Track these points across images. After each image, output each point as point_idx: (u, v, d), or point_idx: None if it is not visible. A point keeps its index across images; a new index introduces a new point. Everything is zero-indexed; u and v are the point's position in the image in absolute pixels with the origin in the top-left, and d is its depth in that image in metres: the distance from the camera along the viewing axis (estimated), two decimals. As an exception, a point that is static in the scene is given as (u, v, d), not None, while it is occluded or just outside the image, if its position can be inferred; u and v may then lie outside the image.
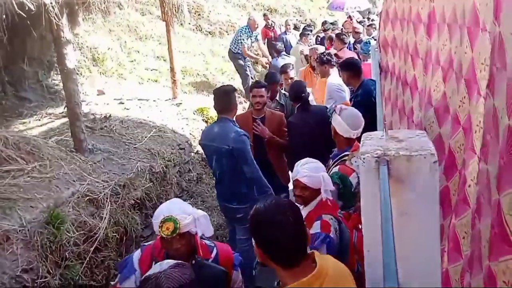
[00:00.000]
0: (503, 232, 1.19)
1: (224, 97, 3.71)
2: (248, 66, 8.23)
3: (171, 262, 1.66)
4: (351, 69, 4.71)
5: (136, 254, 2.23)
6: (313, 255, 1.70)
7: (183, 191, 5.52)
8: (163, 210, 2.10)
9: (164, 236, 2.00)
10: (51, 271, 2.98)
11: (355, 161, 3.19)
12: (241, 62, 8.07)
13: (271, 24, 9.97)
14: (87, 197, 3.66)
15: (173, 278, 1.38)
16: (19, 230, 2.93)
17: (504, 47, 1.32)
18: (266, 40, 9.56)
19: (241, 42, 7.95)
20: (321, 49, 6.61)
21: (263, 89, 4.32)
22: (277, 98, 5.14)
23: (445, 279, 1.92)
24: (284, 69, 5.56)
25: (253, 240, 1.68)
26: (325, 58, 5.46)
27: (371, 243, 1.95)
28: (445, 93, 2.05)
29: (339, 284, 1.67)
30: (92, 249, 3.41)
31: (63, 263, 3.12)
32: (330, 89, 5.20)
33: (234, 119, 3.76)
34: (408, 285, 1.81)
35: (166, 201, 4.80)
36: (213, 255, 2.27)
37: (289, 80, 5.34)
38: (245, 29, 8.05)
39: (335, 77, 5.36)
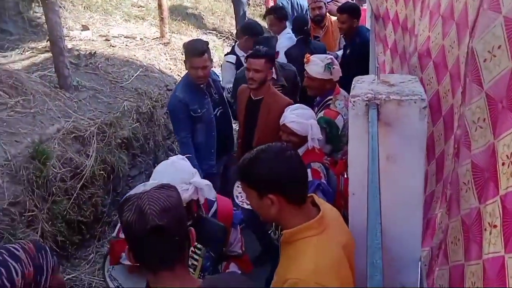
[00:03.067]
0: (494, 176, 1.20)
1: (184, 50, 3.47)
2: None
3: (155, 183, 1.51)
4: (351, 12, 4.55)
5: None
6: (312, 197, 1.70)
7: (171, 133, 5.50)
8: (163, 175, 1.99)
9: None
10: (38, 205, 3.01)
11: (339, 104, 3.21)
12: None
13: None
14: (73, 134, 3.62)
15: (157, 200, 1.22)
16: (4, 164, 2.91)
17: (476, 62, 1.29)
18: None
19: None
20: None
21: (262, 61, 3.24)
22: (274, 75, 3.84)
23: (432, 225, 1.98)
24: None
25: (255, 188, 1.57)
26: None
27: (356, 186, 1.99)
28: (429, 37, 2.01)
29: (339, 226, 1.70)
30: (79, 185, 3.43)
31: (50, 198, 3.14)
32: None
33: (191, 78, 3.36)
34: (390, 229, 1.87)
35: (153, 142, 4.85)
36: (211, 211, 2.20)
37: None
38: None
39: None
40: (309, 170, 2.69)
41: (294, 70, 4.08)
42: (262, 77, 3.27)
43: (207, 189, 2.02)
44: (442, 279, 1.56)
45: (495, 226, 1.15)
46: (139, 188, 1.54)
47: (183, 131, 3.39)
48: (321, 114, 3.26)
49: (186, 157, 3.03)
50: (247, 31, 4.41)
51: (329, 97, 3.34)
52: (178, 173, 1.99)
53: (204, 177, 2.60)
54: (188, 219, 1.87)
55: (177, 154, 5.41)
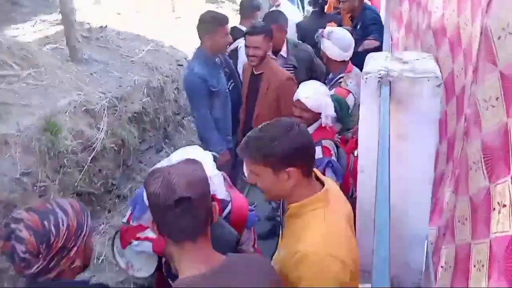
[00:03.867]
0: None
1: (201, 24, 3.36)
2: None
3: (181, 157, 1.55)
4: None
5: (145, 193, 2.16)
6: (314, 172, 1.70)
7: (181, 108, 5.51)
8: (177, 155, 1.93)
9: None
10: (50, 177, 3.05)
11: (350, 82, 3.17)
12: None
13: None
14: (84, 107, 3.64)
15: (183, 173, 1.25)
16: (17, 135, 2.94)
17: (490, 40, 1.25)
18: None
19: None
20: None
21: (260, 37, 3.27)
22: (283, 52, 3.86)
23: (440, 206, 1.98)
24: None
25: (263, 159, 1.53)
26: None
27: (366, 164, 1.99)
28: (443, 14, 1.96)
29: (341, 199, 1.71)
30: (90, 158, 3.46)
31: (62, 169, 3.18)
32: None
33: (209, 52, 3.35)
34: (400, 205, 1.87)
35: (163, 117, 4.86)
36: (225, 212, 2.09)
37: None
38: None
39: None
40: (319, 148, 2.68)
41: (309, 52, 3.94)
42: (261, 54, 3.32)
43: (216, 180, 1.95)
44: (448, 257, 1.57)
45: (504, 206, 1.14)
46: (164, 163, 1.55)
47: (203, 108, 3.36)
48: (332, 92, 3.23)
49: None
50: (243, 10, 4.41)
51: (341, 75, 3.30)
52: None
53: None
54: None
55: (186, 130, 5.47)
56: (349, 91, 3.17)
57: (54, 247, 1.32)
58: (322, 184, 1.63)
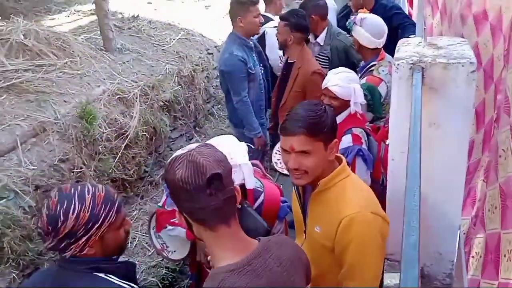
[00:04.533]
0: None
1: (233, 6, 3.41)
2: None
3: (194, 145, 1.56)
4: None
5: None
6: None
7: (211, 97, 5.56)
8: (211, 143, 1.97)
9: None
10: (86, 163, 3.16)
11: (383, 70, 3.11)
12: None
13: None
14: (117, 96, 3.73)
15: (208, 153, 1.21)
16: (54, 123, 3.05)
17: None
18: None
19: None
20: None
21: (282, 23, 3.41)
22: (320, 40, 3.84)
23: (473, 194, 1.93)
24: None
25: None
26: None
27: (397, 151, 1.95)
28: None
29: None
30: (123, 145, 3.56)
31: (97, 156, 3.29)
32: None
33: (243, 35, 3.43)
34: (433, 195, 1.84)
35: (193, 105, 4.92)
36: (257, 202, 2.10)
37: None
38: None
39: None
40: (350, 135, 2.66)
41: (345, 43, 3.81)
42: (282, 40, 3.43)
43: (246, 169, 1.94)
44: (478, 247, 1.54)
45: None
46: (184, 149, 1.50)
47: (243, 91, 3.41)
48: (363, 80, 3.18)
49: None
50: None
51: (373, 63, 3.24)
52: (225, 147, 1.88)
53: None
54: None
55: (216, 118, 5.52)
56: (381, 79, 3.11)
57: (60, 231, 1.33)
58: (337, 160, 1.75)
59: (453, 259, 1.88)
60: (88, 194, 1.37)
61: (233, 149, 1.90)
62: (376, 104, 3.07)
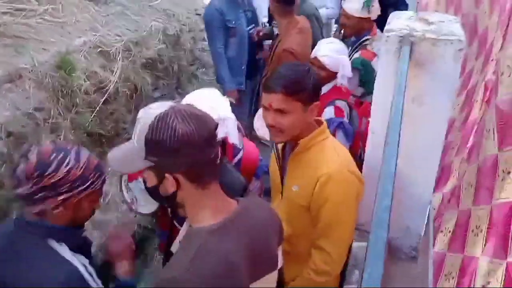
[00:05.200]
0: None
1: None
2: None
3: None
4: None
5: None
6: None
7: (196, 59, 5.45)
8: (193, 95, 1.94)
9: None
10: (62, 114, 3.07)
11: (376, 45, 3.09)
12: None
13: None
14: (99, 49, 3.61)
15: (193, 108, 1.16)
16: (31, 70, 2.94)
17: None
18: None
19: None
20: None
21: None
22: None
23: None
24: None
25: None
26: None
27: (377, 125, 1.96)
28: None
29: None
30: (102, 100, 3.47)
31: (74, 108, 3.20)
32: None
33: None
34: (406, 169, 1.87)
35: (177, 66, 4.82)
36: (236, 159, 2.09)
37: None
38: None
39: None
40: (332, 108, 2.67)
41: (314, 6, 3.97)
42: (271, 9, 3.47)
43: (230, 124, 1.90)
44: (449, 222, 1.58)
45: (508, 173, 1.13)
46: (147, 112, 1.28)
47: (219, 42, 3.46)
48: (356, 54, 3.15)
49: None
50: None
51: (366, 37, 3.21)
52: (208, 101, 1.86)
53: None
54: None
55: (199, 82, 5.44)
56: (375, 54, 3.09)
57: (45, 179, 1.29)
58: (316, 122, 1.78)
59: (421, 233, 1.93)
60: (84, 156, 1.37)
61: (216, 102, 1.87)
62: (369, 79, 3.06)
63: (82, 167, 1.34)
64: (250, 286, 1.21)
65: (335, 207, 1.62)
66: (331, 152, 1.67)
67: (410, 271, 1.96)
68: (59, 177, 1.30)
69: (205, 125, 1.13)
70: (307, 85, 1.62)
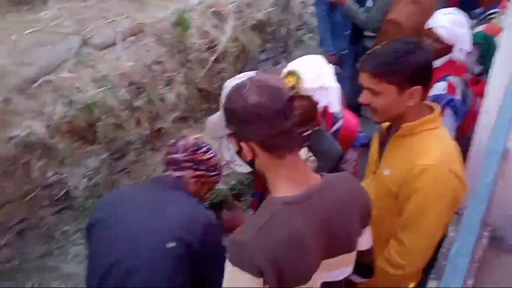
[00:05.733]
0: None
1: None
2: None
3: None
4: None
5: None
6: None
7: (304, 24, 5.40)
8: (299, 61, 1.87)
9: None
10: (176, 69, 3.32)
11: (505, 19, 2.78)
12: None
13: None
14: (212, 9, 3.77)
15: (270, 78, 1.17)
16: (152, 26, 3.20)
17: None
18: None
19: None
20: None
21: None
22: None
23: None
24: None
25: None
26: None
27: (491, 105, 1.81)
28: None
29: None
30: (213, 58, 3.66)
31: (187, 64, 3.43)
32: None
33: None
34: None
35: (285, 29, 4.83)
36: (334, 128, 2.02)
37: None
38: None
39: None
40: (445, 83, 2.48)
41: None
42: None
43: (333, 92, 1.84)
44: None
45: None
46: (231, 81, 1.38)
47: (323, 5, 3.51)
48: (480, 28, 2.87)
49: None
50: None
51: (493, 10, 2.90)
52: (315, 66, 1.83)
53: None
54: (308, 126, 1.82)
55: (306, 47, 5.41)
56: (501, 29, 2.79)
57: (197, 154, 1.63)
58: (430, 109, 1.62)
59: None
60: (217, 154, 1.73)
61: (321, 70, 1.83)
62: (490, 56, 2.79)
63: (217, 160, 1.70)
64: (322, 262, 1.18)
65: (423, 201, 1.50)
66: (436, 144, 1.54)
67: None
68: (205, 158, 1.64)
69: (278, 98, 1.12)
70: (405, 68, 1.48)
